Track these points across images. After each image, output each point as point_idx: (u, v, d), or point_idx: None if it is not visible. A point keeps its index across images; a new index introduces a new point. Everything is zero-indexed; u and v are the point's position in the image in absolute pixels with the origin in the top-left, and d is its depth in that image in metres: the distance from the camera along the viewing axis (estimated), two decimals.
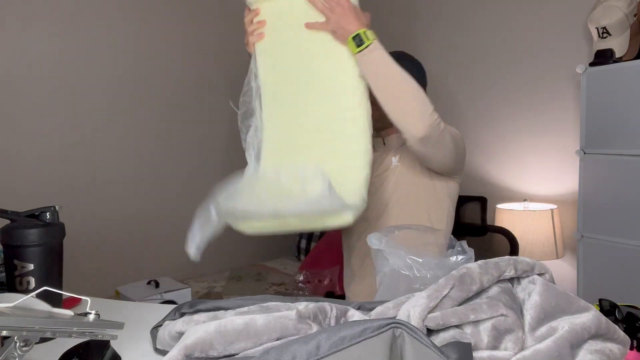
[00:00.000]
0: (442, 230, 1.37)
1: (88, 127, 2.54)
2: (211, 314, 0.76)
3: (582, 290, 1.74)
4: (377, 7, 2.84)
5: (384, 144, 1.50)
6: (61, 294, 0.92)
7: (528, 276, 0.71)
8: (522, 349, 0.62)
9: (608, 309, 0.83)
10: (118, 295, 1.97)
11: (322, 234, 2.74)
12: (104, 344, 0.74)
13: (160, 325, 0.83)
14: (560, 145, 2.15)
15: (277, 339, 0.64)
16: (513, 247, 1.84)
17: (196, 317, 0.75)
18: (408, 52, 1.53)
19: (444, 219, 1.41)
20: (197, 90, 2.92)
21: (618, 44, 1.72)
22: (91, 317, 0.69)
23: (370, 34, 1.14)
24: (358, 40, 1.12)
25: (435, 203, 1.38)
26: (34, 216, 0.95)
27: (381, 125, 1.42)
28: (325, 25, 1.16)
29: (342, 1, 1.14)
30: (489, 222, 2.02)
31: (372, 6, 2.84)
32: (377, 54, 1.13)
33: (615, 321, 0.79)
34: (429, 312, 0.62)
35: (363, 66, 1.14)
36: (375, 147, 1.54)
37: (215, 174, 3.01)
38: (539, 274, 0.71)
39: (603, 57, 1.69)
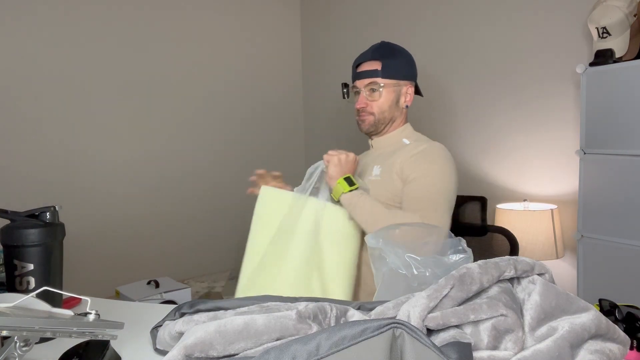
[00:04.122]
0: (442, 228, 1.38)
1: (88, 127, 2.54)
2: (211, 314, 0.76)
3: (582, 290, 1.74)
4: (377, 4, 2.84)
5: (372, 146, 1.56)
6: (61, 294, 0.92)
7: (528, 276, 0.71)
8: (522, 349, 0.62)
9: (608, 309, 0.83)
10: (118, 295, 1.97)
11: None
12: (104, 344, 0.74)
13: (160, 325, 0.83)
14: (560, 145, 2.15)
15: (277, 339, 0.64)
16: (513, 247, 1.84)
17: (196, 317, 0.75)
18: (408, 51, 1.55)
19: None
20: (195, 91, 2.92)
21: (618, 44, 1.72)
22: (91, 317, 0.69)
23: (356, 179, 1.36)
24: (349, 181, 1.34)
25: None
26: (34, 216, 0.95)
27: (374, 130, 1.52)
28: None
29: (342, 155, 1.36)
30: (488, 222, 2.01)
31: (371, 3, 2.82)
32: (365, 197, 1.33)
33: (615, 321, 0.79)
34: (429, 312, 0.62)
35: (350, 202, 1.32)
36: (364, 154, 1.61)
37: (215, 173, 3.01)
38: (539, 274, 0.71)
39: (603, 57, 1.69)
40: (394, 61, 1.46)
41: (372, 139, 1.56)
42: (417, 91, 1.56)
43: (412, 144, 1.46)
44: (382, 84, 1.45)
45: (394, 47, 1.50)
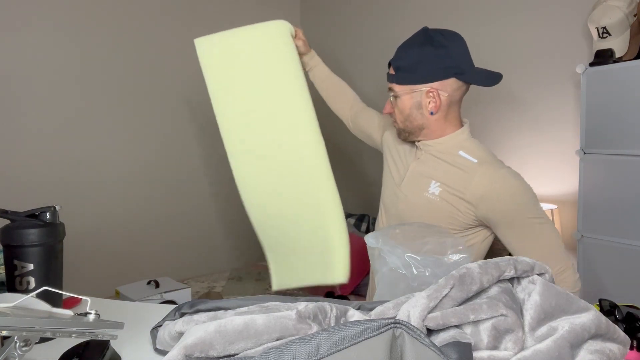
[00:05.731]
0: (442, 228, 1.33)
1: (88, 128, 2.54)
2: (211, 314, 0.76)
3: (582, 290, 1.74)
4: (377, 3, 2.84)
5: (419, 148, 1.34)
6: (61, 294, 0.92)
7: (528, 276, 0.71)
8: (522, 349, 0.62)
9: (608, 309, 0.83)
10: (118, 295, 1.97)
11: None
12: (104, 344, 0.74)
13: (160, 325, 0.83)
14: (560, 146, 2.14)
15: (277, 339, 0.64)
16: None
17: (196, 317, 0.75)
18: None
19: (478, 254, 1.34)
20: (195, 91, 2.92)
21: (618, 44, 1.72)
22: (91, 317, 0.69)
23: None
24: None
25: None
26: (34, 216, 0.94)
27: (405, 139, 1.36)
28: None
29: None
30: None
31: (371, 3, 2.81)
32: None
33: (615, 321, 0.79)
34: (429, 312, 0.62)
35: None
36: (405, 156, 1.40)
37: (215, 173, 3.01)
38: (538, 274, 0.71)
39: (603, 57, 1.69)
40: (408, 63, 1.25)
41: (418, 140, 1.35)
42: (474, 80, 1.31)
43: (477, 167, 1.24)
44: (397, 91, 1.28)
45: (412, 45, 1.26)
